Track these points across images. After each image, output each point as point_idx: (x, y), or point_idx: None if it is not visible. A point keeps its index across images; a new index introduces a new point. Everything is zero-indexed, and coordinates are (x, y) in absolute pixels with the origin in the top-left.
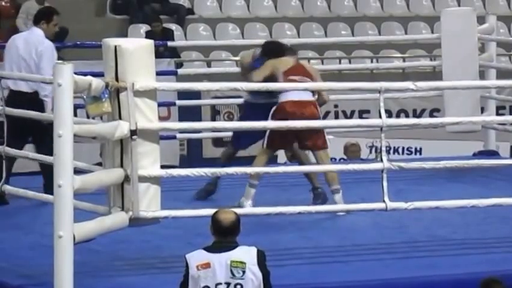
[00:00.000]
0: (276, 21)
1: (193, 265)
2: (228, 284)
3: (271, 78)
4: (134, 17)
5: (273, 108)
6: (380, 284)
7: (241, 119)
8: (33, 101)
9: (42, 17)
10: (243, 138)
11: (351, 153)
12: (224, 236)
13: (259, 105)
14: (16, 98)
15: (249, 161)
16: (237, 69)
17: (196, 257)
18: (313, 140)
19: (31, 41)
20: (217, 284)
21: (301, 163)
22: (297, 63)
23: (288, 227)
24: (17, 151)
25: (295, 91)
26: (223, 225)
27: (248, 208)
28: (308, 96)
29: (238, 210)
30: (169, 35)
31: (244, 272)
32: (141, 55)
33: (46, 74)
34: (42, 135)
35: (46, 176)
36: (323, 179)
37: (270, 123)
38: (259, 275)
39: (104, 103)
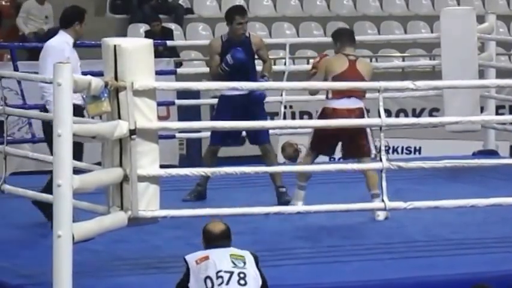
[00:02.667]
0: (275, 20)
1: (192, 261)
2: (231, 272)
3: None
4: (134, 17)
5: (319, 110)
6: (379, 284)
7: (217, 113)
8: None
9: (75, 18)
10: (220, 135)
11: None
12: (216, 245)
13: (234, 97)
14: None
15: (250, 160)
16: None
17: (195, 254)
18: (358, 147)
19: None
20: (218, 272)
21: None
22: (351, 63)
23: (287, 226)
24: (17, 150)
25: (347, 98)
26: (215, 233)
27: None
28: (355, 103)
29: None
30: (168, 34)
31: (245, 263)
32: (140, 54)
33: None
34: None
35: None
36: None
37: (268, 123)
38: (259, 277)
39: (103, 102)
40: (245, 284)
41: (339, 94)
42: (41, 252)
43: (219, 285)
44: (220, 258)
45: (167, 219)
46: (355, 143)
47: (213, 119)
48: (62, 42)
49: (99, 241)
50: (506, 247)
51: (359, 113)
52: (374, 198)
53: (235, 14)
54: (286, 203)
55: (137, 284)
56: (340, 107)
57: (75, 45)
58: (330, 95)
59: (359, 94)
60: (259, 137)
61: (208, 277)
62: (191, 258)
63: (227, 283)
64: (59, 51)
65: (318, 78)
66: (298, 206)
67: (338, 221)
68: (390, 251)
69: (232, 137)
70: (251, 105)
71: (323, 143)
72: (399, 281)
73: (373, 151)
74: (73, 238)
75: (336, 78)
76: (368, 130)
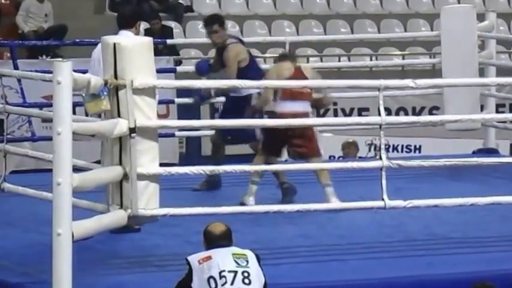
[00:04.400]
0: (275, 18)
1: (195, 261)
2: (235, 272)
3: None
4: None
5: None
6: (378, 282)
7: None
8: None
9: (139, 18)
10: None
11: (349, 151)
12: (217, 245)
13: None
14: None
15: (248, 159)
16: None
17: (197, 255)
18: (306, 148)
19: None
20: (221, 272)
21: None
22: (297, 69)
23: (286, 225)
24: (17, 148)
25: (293, 102)
26: (216, 234)
27: (247, 206)
28: (304, 108)
29: (240, 208)
30: (168, 32)
31: (247, 262)
32: (140, 53)
33: None
34: None
35: None
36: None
37: (268, 121)
38: (262, 275)
39: (103, 101)
40: (249, 283)
41: (286, 96)
42: (40, 250)
43: (223, 285)
44: (223, 258)
45: (167, 217)
46: (303, 144)
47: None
48: None
49: (98, 239)
50: (506, 246)
51: (304, 117)
52: (326, 187)
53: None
54: (291, 198)
55: (137, 282)
56: (286, 110)
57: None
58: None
59: (305, 97)
60: (250, 134)
61: (211, 277)
62: (193, 258)
63: (232, 283)
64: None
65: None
66: (251, 202)
67: (337, 219)
68: (389, 249)
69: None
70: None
71: (273, 145)
72: (399, 279)
73: (321, 151)
74: (73, 236)
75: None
76: (315, 130)
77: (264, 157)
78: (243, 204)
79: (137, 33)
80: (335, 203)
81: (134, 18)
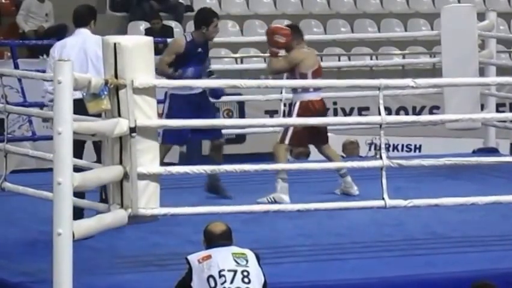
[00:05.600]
0: (275, 18)
1: (195, 260)
2: (235, 271)
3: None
4: (134, 14)
5: (297, 105)
6: (378, 281)
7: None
8: None
9: (94, 16)
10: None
11: (349, 150)
12: (217, 244)
13: (183, 96)
14: None
15: (247, 158)
16: (236, 67)
17: (197, 254)
18: (325, 136)
19: None
20: (220, 271)
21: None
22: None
23: (287, 224)
24: (17, 148)
25: (319, 90)
26: (216, 233)
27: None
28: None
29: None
30: (168, 32)
31: (247, 261)
32: (140, 52)
33: None
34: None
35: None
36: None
37: (269, 121)
38: (261, 275)
39: (103, 100)
40: (249, 282)
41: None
42: (41, 250)
43: (222, 284)
44: (223, 257)
45: (167, 217)
46: (325, 133)
47: (166, 117)
48: None
49: (99, 239)
50: (506, 245)
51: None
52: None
53: (213, 17)
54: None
55: (137, 282)
56: (319, 98)
57: None
58: (311, 89)
59: None
60: (216, 131)
61: (211, 276)
62: (193, 257)
63: (231, 282)
64: None
65: (283, 64)
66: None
67: (338, 218)
68: (390, 248)
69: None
70: (204, 102)
71: (306, 136)
72: (399, 279)
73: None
74: (73, 236)
75: (316, 72)
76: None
77: (288, 150)
78: (276, 202)
79: (93, 32)
80: (334, 203)
81: (90, 16)
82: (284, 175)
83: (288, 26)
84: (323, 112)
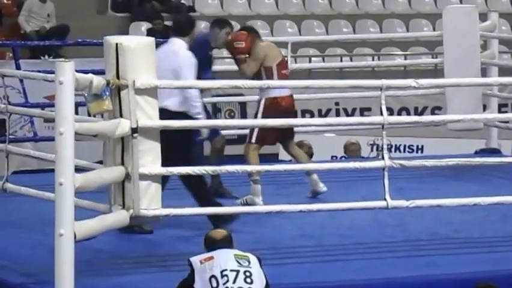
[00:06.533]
0: (278, 18)
1: (197, 261)
2: (237, 271)
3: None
4: (136, 15)
5: (262, 102)
6: (381, 282)
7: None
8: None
9: (192, 27)
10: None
11: (351, 151)
12: (218, 247)
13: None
14: None
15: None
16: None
17: (199, 256)
18: (291, 131)
19: None
20: (222, 271)
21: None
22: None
23: (289, 225)
24: (19, 148)
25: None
26: (216, 238)
27: (249, 207)
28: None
29: (241, 209)
30: (170, 32)
31: (249, 262)
32: (142, 53)
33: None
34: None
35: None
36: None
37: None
38: (263, 276)
39: (105, 101)
40: (251, 282)
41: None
42: (42, 250)
43: (224, 283)
44: (225, 258)
45: (169, 218)
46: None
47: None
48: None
49: (101, 239)
50: (509, 246)
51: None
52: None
53: (227, 24)
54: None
55: (139, 282)
56: (286, 94)
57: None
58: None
59: None
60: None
61: (213, 276)
62: (195, 259)
63: (234, 281)
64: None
65: (253, 65)
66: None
67: (340, 219)
68: (392, 249)
69: None
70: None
71: (274, 134)
72: (402, 279)
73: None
74: (75, 237)
75: (280, 65)
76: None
77: (259, 149)
78: (249, 204)
79: (190, 42)
80: (337, 203)
81: (188, 27)
82: (256, 177)
83: (241, 29)
84: (292, 109)
